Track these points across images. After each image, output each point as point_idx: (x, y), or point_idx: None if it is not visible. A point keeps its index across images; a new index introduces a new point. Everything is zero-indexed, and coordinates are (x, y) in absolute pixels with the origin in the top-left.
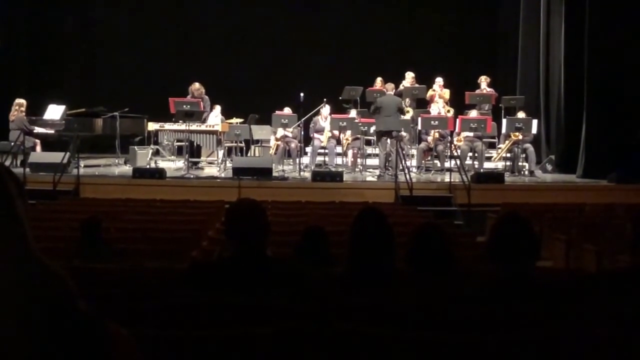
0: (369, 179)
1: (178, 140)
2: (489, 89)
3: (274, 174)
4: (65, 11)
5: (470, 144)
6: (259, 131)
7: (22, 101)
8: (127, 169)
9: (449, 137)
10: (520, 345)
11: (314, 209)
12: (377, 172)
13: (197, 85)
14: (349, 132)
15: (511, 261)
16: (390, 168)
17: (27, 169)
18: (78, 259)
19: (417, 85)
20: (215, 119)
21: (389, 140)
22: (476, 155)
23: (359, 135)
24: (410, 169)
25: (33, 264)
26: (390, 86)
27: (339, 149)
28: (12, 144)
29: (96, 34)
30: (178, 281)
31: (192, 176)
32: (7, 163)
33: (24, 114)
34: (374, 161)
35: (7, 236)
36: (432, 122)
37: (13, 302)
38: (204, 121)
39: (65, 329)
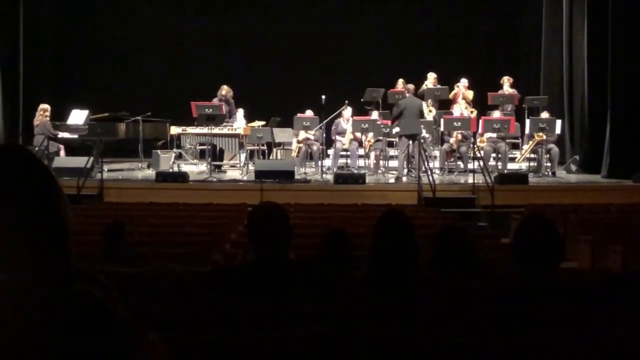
0: (392, 181)
1: (200, 144)
2: (511, 90)
3: (296, 176)
4: (89, 17)
5: (494, 145)
6: (281, 134)
7: (47, 106)
8: (150, 172)
9: (472, 138)
10: (546, 347)
11: (337, 212)
12: (396, 174)
13: (226, 87)
14: (370, 134)
15: (536, 263)
16: (413, 170)
17: None
18: (102, 262)
19: (439, 86)
20: (240, 121)
21: (410, 142)
22: (500, 156)
23: (380, 137)
24: (433, 171)
25: (72, 266)
26: (410, 87)
27: (361, 151)
28: (37, 148)
29: (119, 39)
30: (202, 285)
31: (214, 179)
32: None
33: (48, 119)
34: (397, 163)
35: (49, 235)
36: (455, 123)
37: (48, 305)
38: (228, 122)
39: (101, 333)
